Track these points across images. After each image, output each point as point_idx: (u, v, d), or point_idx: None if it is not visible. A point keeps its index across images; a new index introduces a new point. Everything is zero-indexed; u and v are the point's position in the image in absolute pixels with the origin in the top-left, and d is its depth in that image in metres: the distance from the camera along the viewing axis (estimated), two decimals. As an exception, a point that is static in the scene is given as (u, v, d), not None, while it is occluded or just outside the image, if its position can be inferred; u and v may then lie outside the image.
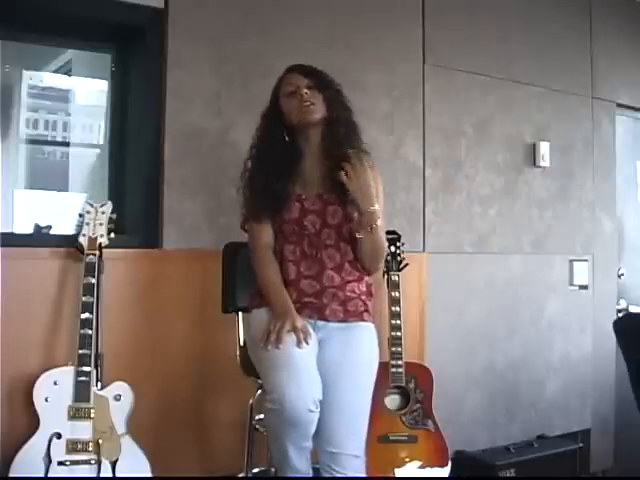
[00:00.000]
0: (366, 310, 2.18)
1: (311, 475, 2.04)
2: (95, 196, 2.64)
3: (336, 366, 2.05)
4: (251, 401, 2.36)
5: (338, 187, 2.12)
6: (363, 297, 2.18)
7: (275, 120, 2.22)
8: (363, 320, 2.16)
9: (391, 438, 2.69)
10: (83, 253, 2.31)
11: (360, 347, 2.14)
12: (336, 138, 2.17)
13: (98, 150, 2.92)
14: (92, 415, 2.17)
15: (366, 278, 2.22)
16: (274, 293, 2.11)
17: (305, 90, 2.16)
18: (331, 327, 2.11)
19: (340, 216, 2.14)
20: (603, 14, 3.80)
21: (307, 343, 1.99)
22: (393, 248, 2.80)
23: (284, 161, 2.19)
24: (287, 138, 2.21)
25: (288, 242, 2.16)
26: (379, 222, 2.10)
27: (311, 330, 2.06)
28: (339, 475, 1.99)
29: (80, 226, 2.37)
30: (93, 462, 2.14)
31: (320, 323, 2.11)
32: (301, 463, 1.98)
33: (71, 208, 2.77)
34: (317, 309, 2.11)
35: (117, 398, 2.23)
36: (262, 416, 2.28)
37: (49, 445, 2.12)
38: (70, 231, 2.46)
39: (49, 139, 3.17)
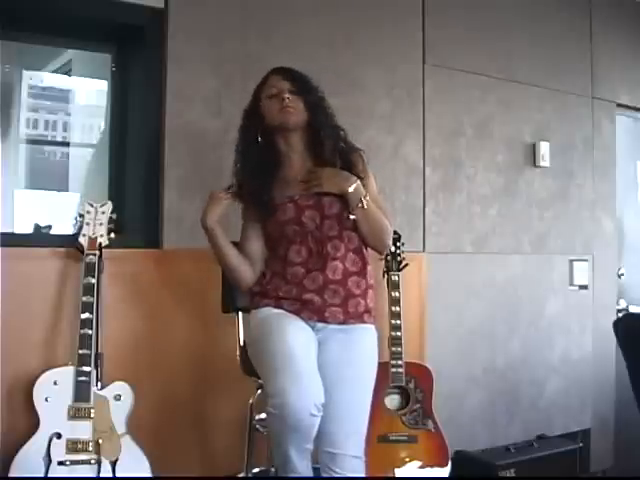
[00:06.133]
0: (366, 311, 2.17)
1: (311, 475, 2.04)
2: (95, 196, 2.64)
3: (336, 367, 2.05)
4: (251, 401, 2.36)
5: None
6: (365, 296, 2.16)
7: (252, 121, 2.23)
8: (363, 322, 2.15)
9: (391, 438, 2.69)
10: (83, 253, 2.31)
11: (360, 348, 2.13)
12: (320, 143, 2.19)
13: (98, 150, 2.92)
14: (92, 415, 2.17)
15: (369, 268, 2.21)
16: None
17: (287, 95, 2.16)
18: (330, 329, 2.11)
19: (338, 205, 2.14)
20: (603, 14, 3.80)
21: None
22: (393, 248, 2.80)
23: (263, 165, 2.20)
24: (260, 140, 2.21)
25: (293, 243, 2.14)
26: (367, 197, 2.13)
27: (310, 330, 2.08)
28: (338, 475, 1.99)
29: (80, 226, 2.37)
30: (93, 462, 2.14)
31: (320, 325, 2.10)
32: (302, 465, 1.97)
33: (71, 208, 2.78)
34: (317, 310, 2.10)
35: (117, 398, 2.23)
36: (262, 416, 2.27)
37: (49, 445, 2.12)
38: (70, 231, 2.46)
39: (49, 139, 3.17)
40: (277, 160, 2.22)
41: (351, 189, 2.12)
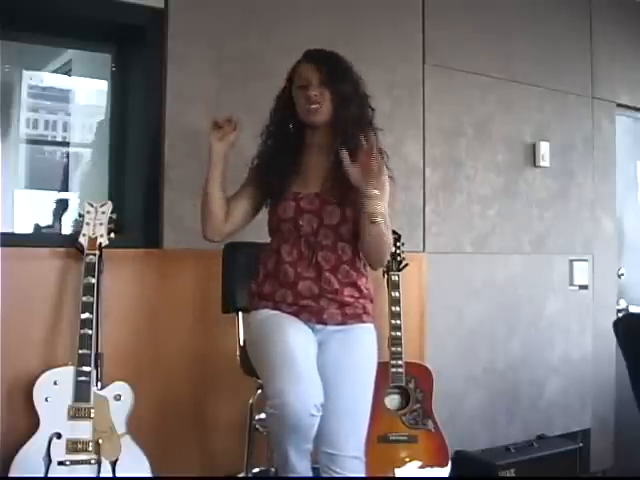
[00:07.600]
0: (365, 312, 2.16)
1: (310, 475, 2.04)
2: (95, 196, 2.64)
3: (335, 367, 2.04)
4: (251, 401, 2.36)
5: (338, 186, 2.09)
6: (361, 301, 2.15)
7: (285, 107, 2.19)
8: (362, 322, 2.14)
9: (391, 438, 2.69)
10: (83, 253, 2.31)
11: (359, 348, 2.12)
12: (342, 138, 2.11)
13: (97, 150, 2.92)
14: (92, 415, 2.17)
15: (364, 279, 2.18)
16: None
17: (315, 92, 2.10)
18: (329, 330, 2.10)
19: (338, 216, 2.10)
20: (603, 14, 3.80)
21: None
22: (393, 248, 2.80)
23: (286, 154, 2.16)
24: (292, 127, 2.18)
25: (285, 242, 2.12)
26: (382, 217, 2.04)
27: (309, 331, 2.07)
28: (338, 475, 1.99)
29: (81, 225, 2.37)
30: (93, 462, 2.14)
31: (318, 326, 2.09)
32: (301, 465, 1.97)
33: (72, 208, 2.78)
34: (315, 313, 2.09)
35: (117, 398, 2.23)
36: (262, 416, 2.27)
37: (49, 445, 2.12)
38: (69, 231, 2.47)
39: (49, 139, 3.17)
40: (299, 151, 2.19)
41: (373, 202, 2.01)
